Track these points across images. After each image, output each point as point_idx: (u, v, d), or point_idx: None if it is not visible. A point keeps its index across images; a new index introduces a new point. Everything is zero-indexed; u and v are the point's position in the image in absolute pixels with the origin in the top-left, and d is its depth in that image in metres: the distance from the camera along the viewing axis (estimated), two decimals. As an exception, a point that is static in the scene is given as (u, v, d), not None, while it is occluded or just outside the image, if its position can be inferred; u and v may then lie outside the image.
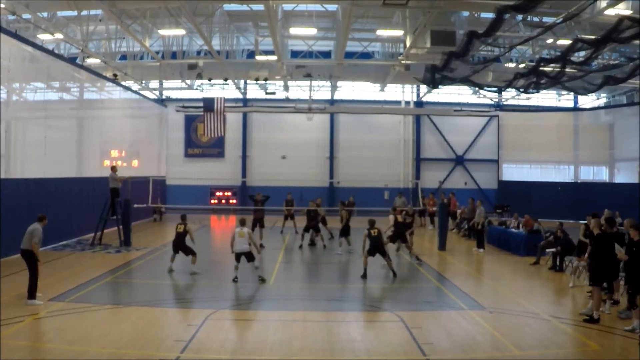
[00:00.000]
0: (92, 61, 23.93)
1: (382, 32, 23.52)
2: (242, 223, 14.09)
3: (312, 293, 13.19)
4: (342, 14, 22.00)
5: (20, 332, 9.04)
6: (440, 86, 27.11)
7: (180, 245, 14.79)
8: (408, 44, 22.16)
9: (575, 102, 35.65)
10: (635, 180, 28.53)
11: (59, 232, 18.60)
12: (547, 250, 16.27)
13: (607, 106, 34.07)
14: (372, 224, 14.80)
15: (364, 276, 14.20)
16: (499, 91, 30.30)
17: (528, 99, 33.47)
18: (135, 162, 26.89)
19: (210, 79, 28.70)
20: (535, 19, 19.09)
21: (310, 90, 29.13)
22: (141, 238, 20.60)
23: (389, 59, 26.32)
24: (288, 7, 23.40)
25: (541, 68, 20.77)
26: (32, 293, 10.79)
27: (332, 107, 33.43)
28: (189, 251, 14.76)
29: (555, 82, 22.29)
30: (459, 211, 25.77)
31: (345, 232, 18.74)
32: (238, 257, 13.72)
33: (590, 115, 34.12)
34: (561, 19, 16.25)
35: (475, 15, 21.46)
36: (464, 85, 27.01)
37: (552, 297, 12.88)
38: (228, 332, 9.31)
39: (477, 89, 29.28)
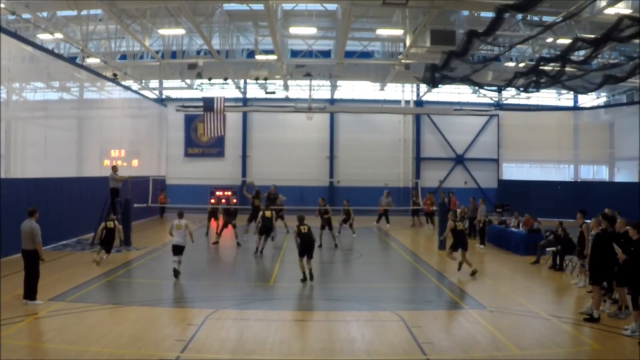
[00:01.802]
0: (92, 61, 23.91)
1: (382, 32, 23.51)
2: (180, 216, 14.26)
3: (312, 293, 13.19)
4: (342, 13, 21.99)
5: (20, 332, 9.04)
6: (440, 85, 27.11)
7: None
8: (408, 43, 22.15)
9: (575, 101, 35.61)
10: (635, 179, 28.53)
11: (59, 232, 18.61)
12: (547, 249, 16.28)
13: (607, 105, 34.07)
14: (301, 220, 13.97)
15: (304, 279, 13.46)
16: (499, 90, 30.32)
17: (528, 98, 33.47)
18: (135, 162, 26.90)
19: (210, 79, 28.71)
20: (535, 18, 19.09)
21: (310, 89, 29.12)
22: (141, 238, 20.59)
23: (388, 59, 26.32)
24: (288, 6, 23.37)
25: (541, 67, 20.76)
26: (32, 294, 10.75)
27: (332, 107, 33.42)
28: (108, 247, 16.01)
29: (555, 81, 22.29)
30: (459, 210, 25.74)
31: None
32: (174, 249, 13.89)
33: (590, 114, 34.12)
34: (561, 18, 16.24)
35: (475, 14, 21.45)
36: (463, 84, 26.99)
37: (552, 297, 12.89)
38: (228, 332, 9.31)
39: (477, 88, 29.26)
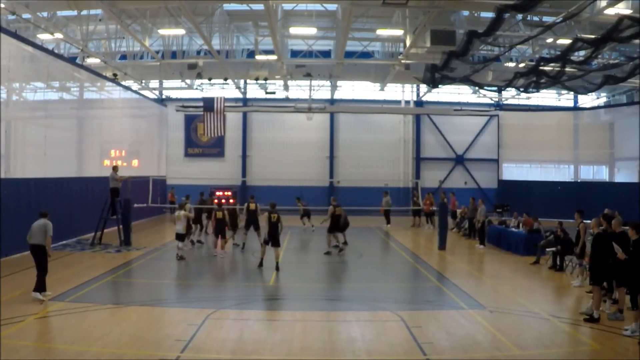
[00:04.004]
0: (92, 61, 23.91)
1: (382, 32, 23.52)
2: (180, 207, 17.20)
3: (312, 293, 13.19)
4: (342, 13, 22.00)
5: (20, 332, 9.03)
6: (440, 85, 27.10)
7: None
8: (408, 43, 22.15)
9: (575, 101, 35.63)
10: (635, 180, 28.52)
11: (59, 232, 18.48)
12: (547, 249, 16.26)
13: (607, 105, 34.07)
14: (273, 206, 15.35)
15: (261, 265, 15.18)
16: (499, 90, 30.32)
17: (528, 98, 33.49)
18: (135, 162, 26.89)
19: (210, 79, 28.73)
20: (535, 19, 19.09)
21: (310, 89, 29.10)
22: (141, 238, 20.60)
23: (388, 59, 26.32)
24: (288, 6, 23.37)
25: (541, 67, 20.76)
26: (38, 286, 10.97)
27: (332, 107, 33.43)
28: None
29: (555, 81, 22.28)
30: (459, 210, 25.79)
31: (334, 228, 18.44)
32: (176, 236, 16.69)
33: (590, 114, 34.12)
34: (561, 19, 16.25)
35: (475, 14, 21.44)
36: (463, 84, 26.99)
37: (552, 297, 12.88)
38: (228, 332, 9.31)
39: (477, 88, 29.27)
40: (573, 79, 22.00)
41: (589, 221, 12.66)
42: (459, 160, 34.96)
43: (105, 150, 24.71)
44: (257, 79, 28.21)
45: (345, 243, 19.68)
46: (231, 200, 32.35)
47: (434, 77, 23.63)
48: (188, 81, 30.28)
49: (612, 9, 17.02)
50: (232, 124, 32.89)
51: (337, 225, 18.38)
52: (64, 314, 10.16)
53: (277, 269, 14.74)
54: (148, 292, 12.96)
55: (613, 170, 33.15)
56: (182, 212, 16.80)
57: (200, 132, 33.11)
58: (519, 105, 35.14)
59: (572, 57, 18.71)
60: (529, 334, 9.45)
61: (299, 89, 31.59)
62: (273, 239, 15.03)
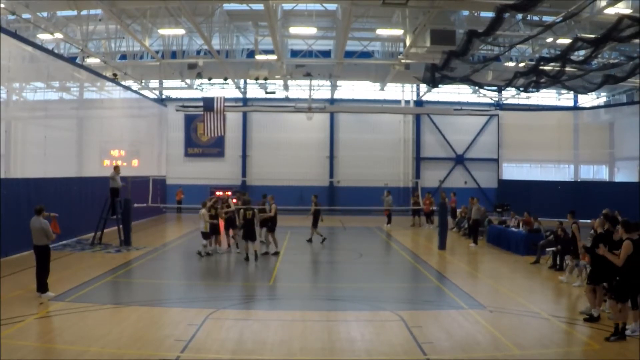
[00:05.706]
0: (92, 61, 23.91)
1: (382, 32, 23.51)
2: (203, 205, 17.19)
3: (312, 293, 13.19)
4: (341, 13, 22.00)
5: (20, 332, 9.03)
6: (440, 85, 27.11)
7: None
8: (408, 43, 22.16)
9: (575, 101, 35.62)
10: (635, 179, 28.52)
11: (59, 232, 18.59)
12: (547, 249, 16.27)
13: (607, 105, 34.06)
14: (247, 203, 16.42)
15: (247, 259, 15.86)
16: (499, 90, 30.33)
17: (528, 98, 33.50)
18: (135, 162, 26.91)
19: (210, 79, 28.75)
20: (535, 18, 19.10)
21: (310, 89, 29.13)
22: (141, 238, 20.60)
23: (388, 58, 26.32)
24: (288, 6, 23.37)
25: (541, 67, 20.75)
26: (43, 287, 11.05)
27: (332, 107, 33.44)
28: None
29: (555, 81, 22.29)
30: (459, 210, 25.80)
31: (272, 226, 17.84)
32: (201, 235, 16.92)
33: (590, 114, 34.12)
34: (561, 18, 16.26)
35: (475, 14, 21.43)
36: (463, 84, 26.99)
37: (552, 296, 12.88)
38: (228, 332, 9.31)
39: (477, 88, 29.27)
40: (573, 79, 22.00)
41: (583, 221, 12.68)
42: (459, 160, 34.95)
43: (106, 150, 24.72)
44: (257, 79, 28.23)
45: (324, 239, 20.34)
46: (234, 200, 32.34)
47: (434, 76, 23.63)
48: (188, 81, 30.28)
49: (612, 8, 17.01)
50: (232, 124, 32.89)
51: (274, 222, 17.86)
52: (64, 314, 10.15)
53: (257, 259, 16.03)
54: (148, 292, 12.97)
55: (613, 170, 33.15)
56: (202, 211, 16.98)
57: (200, 132, 33.12)
58: (519, 105, 35.14)
59: (572, 57, 18.71)
60: (528, 334, 9.45)
61: (299, 89, 31.59)
62: (251, 234, 15.88)
